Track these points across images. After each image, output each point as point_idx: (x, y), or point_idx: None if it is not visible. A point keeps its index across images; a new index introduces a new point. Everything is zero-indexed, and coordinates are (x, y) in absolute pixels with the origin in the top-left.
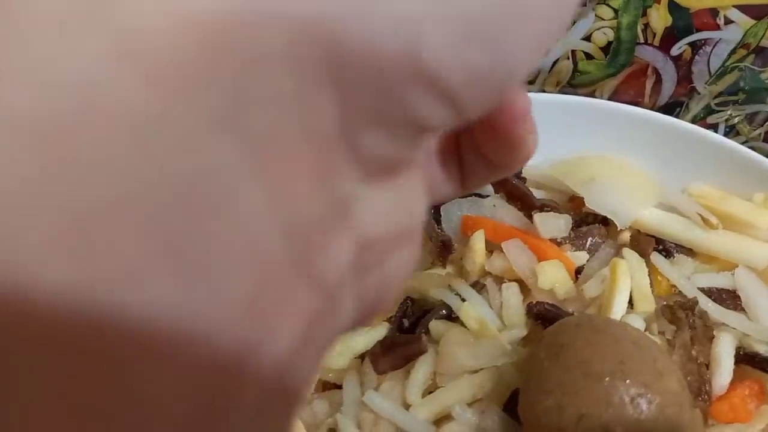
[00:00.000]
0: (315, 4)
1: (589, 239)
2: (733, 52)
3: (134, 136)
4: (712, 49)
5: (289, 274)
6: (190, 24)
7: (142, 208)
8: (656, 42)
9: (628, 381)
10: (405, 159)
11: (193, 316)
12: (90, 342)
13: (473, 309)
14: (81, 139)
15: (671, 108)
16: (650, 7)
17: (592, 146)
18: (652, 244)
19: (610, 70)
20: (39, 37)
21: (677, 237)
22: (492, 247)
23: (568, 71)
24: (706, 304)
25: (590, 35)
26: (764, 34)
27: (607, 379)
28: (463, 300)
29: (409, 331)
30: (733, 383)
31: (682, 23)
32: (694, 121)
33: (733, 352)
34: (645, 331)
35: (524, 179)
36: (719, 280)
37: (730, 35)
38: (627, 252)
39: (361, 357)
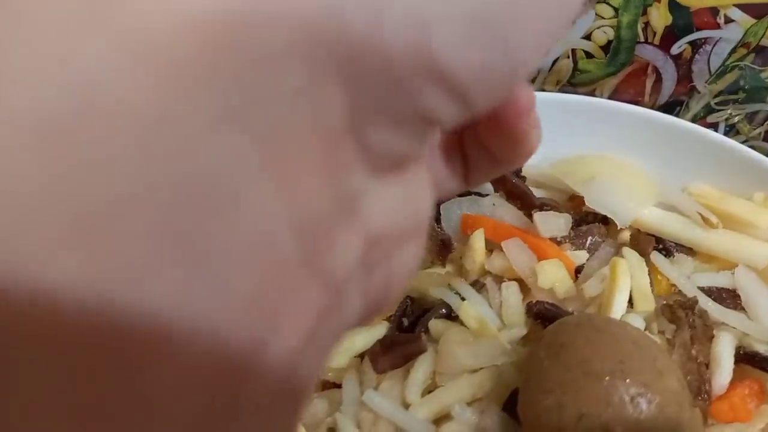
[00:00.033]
0: (323, 1)
1: (589, 238)
2: (734, 51)
3: (135, 136)
4: (712, 48)
5: (297, 270)
6: (191, 23)
7: (150, 206)
8: (656, 41)
9: (628, 380)
10: (413, 154)
11: (199, 314)
12: (92, 341)
13: (473, 308)
14: (82, 139)
15: (671, 107)
16: (650, 5)
17: (592, 145)
18: (652, 243)
19: (610, 68)
20: (40, 37)
21: (677, 236)
22: (492, 246)
23: (568, 70)
24: (706, 304)
25: (590, 34)
26: (765, 33)
27: (607, 378)
28: (463, 299)
29: (409, 330)
30: (733, 383)
31: (683, 22)
32: (694, 120)
33: (733, 352)
34: (645, 330)
35: (524, 178)
36: (719, 280)
37: (731, 34)
38: (627, 251)
39: (361, 356)
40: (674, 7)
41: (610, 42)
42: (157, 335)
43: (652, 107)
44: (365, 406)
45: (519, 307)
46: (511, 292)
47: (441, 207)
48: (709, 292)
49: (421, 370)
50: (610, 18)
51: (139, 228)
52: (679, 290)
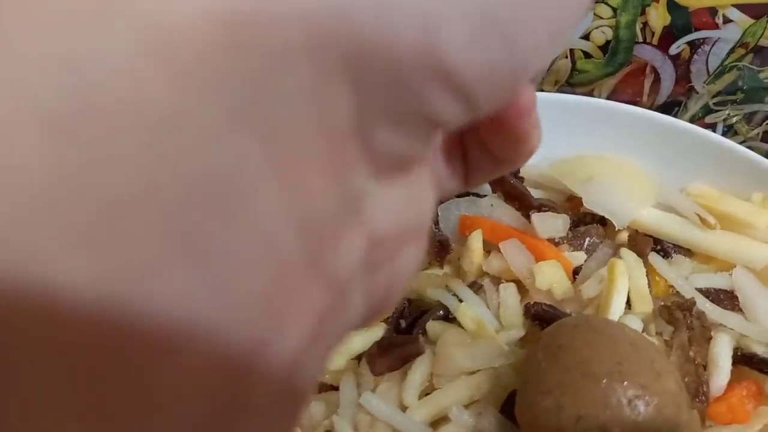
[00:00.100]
0: (332, 0)
1: (587, 239)
2: (732, 51)
3: (144, 135)
4: (710, 48)
5: (301, 271)
6: (209, 21)
7: (157, 206)
8: (655, 41)
9: (625, 382)
10: (417, 155)
11: (202, 313)
12: (94, 340)
13: (470, 309)
14: (88, 139)
15: (669, 107)
16: (649, 5)
17: (591, 145)
18: (650, 244)
19: (609, 69)
20: (47, 36)
21: (675, 237)
22: (490, 247)
23: (566, 70)
24: (704, 305)
25: (589, 34)
26: (763, 34)
27: (605, 379)
28: (461, 300)
29: (406, 332)
30: (731, 384)
31: (681, 22)
32: (692, 120)
33: (731, 353)
34: (643, 331)
35: (522, 179)
36: (717, 281)
37: (729, 34)
38: (625, 252)
39: (358, 358)
40: (673, 7)
41: (608, 42)
42: (159, 335)
43: (650, 107)
44: (362, 408)
45: (517, 309)
46: (508, 294)
47: (439, 208)
48: (707, 293)
49: (418, 372)
50: (608, 18)
51: (143, 228)
52: (677, 291)
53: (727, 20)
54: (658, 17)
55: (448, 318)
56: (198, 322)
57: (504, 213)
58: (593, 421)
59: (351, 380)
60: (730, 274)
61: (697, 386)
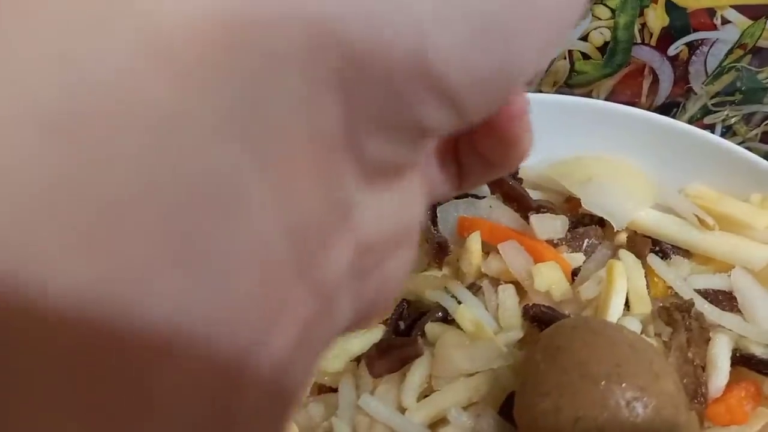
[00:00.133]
0: (325, 5)
1: (586, 240)
2: (730, 52)
3: (151, 134)
4: (709, 50)
5: (289, 275)
6: (209, 22)
7: (157, 207)
8: (653, 42)
9: (624, 384)
10: (407, 163)
11: (198, 315)
12: (92, 342)
13: (469, 311)
14: (87, 139)
15: (668, 108)
16: (647, 6)
17: (589, 146)
18: (649, 246)
19: (607, 70)
20: (47, 36)
21: (674, 238)
22: (488, 249)
23: (564, 71)
24: (703, 306)
25: (587, 35)
26: (761, 35)
27: (603, 382)
28: (459, 302)
29: (405, 333)
30: (730, 385)
31: (679, 23)
32: (690, 121)
33: (730, 354)
34: (641, 333)
35: (521, 180)
36: (716, 282)
37: (727, 35)
38: (623, 253)
39: (357, 360)
40: (671, 8)
41: (606, 43)
42: (158, 336)
43: (648, 108)
44: (361, 410)
45: (515, 310)
46: (507, 295)
47: (438, 209)
48: (706, 294)
49: (417, 373)
50: (606, 19)
51: (143, 228)
52: (676, 292)
53: (725, 21)
54: (657, 18)
55: (447, 320)
56: (196, 324)
57: (503, 214)
58: (591, 423)
59: (350, 382)
60: (729, 275)
61: (696, 387)
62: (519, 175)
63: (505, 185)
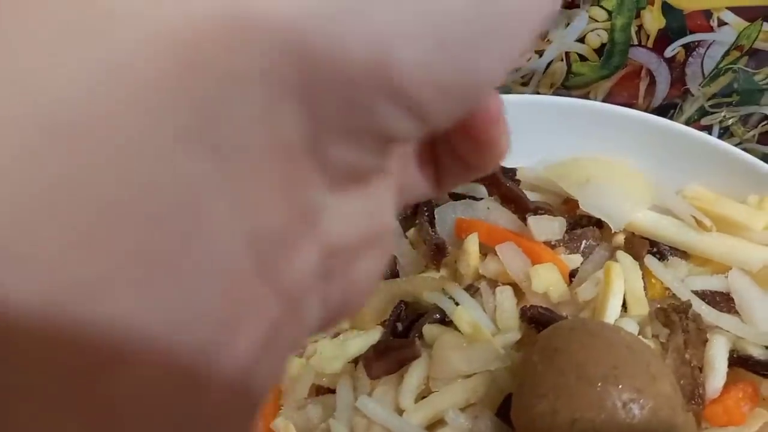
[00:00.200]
0: (285, 16)
1: (584, 242)
2: (727, 53)
3: (102, 154)
4: (705, 51)
5: (252, 281)
6: (170, 42)
7: (113, 225)
8: (650, 44)
9: (621, 386)
10: (374, 169)
11: (160, 324)
12: (61, 353)
13: (467, 313)
14: (58, 159)
15: (665, 110)
16: (644, 8)
17: (587, 148)
18: (646, 247)
19: (604, 71)
20: (17, 51)
21: (671, 239)
22: (486, 250)
23: (562, 73)
24: (700, 307)
25: (584, 37)
26: (757, 36)
27: (600, 383)
28: (457, 304)
29: (403, 335)
30: (727, 386)
31: (676, 25)
32: (688, 122)
33: (727, 355)
34: (638, 334)
35: (518, 181)
36: (713, 283)
37: (724, 37)
38: (621, 255)
39: (355, 361)
40: (667, 10)
41: (603, 45)
42: (112, 342)
43: (646, 110)
44: (359, 411)
45: (513, 312)
46: (505, 297)
47: (435, 211)
48: (703, 295)
49: (414, 375)
50: (603, 21)
51: (108, 241)
52: (673, 294)
53: (721, 23)
54: (653, 20)
55: (445, 321)
56: (153, 329)
57: (500, 216)
58: (588, 425)
59: (347, 383)
60: (726, 277)
61: (693, 389)
62: (517, 177)
63: (503, 187)
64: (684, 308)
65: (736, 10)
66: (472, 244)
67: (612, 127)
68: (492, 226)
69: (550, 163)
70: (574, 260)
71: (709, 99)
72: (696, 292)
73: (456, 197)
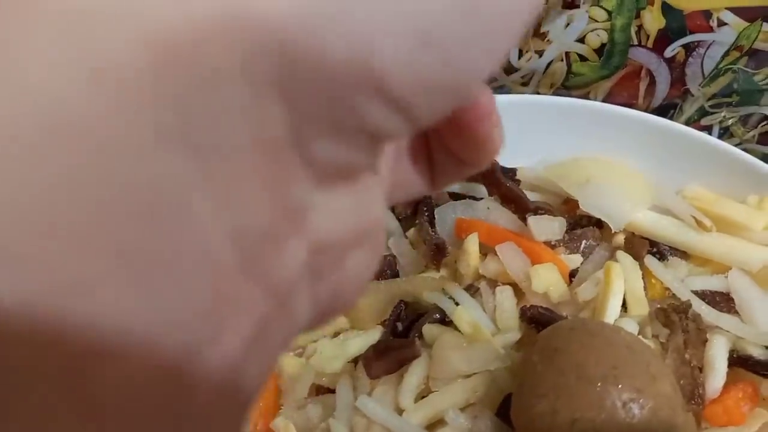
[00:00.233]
0: (267, 13)
1: (584, 242)
2: (727, 54)
3: (83, 154)
4: (705, 51)
5: (237, 278)
6: (150, 43)
7: (95, 224)
8: (650, 44)
9: (620, 386)
10: (361, 165)
11: (144, 322)
12: (50, 354)
13: (467, 313)
14: (36, 156)
15: (665, 110)
16: (644, 8)
17: (587, 148)
18: (646, 247)
19: (604, 71)
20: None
21: (671, 239)
22: (486, 250)
23: (562, 73)
24: (700, 307)
25: (584, 37)
26: (757, 36)
27: (599, 383)
28: (457, 304)
29: (403, 335)
30: (727, 386)
31: (676, 25)
32: (687, 123)
33: (727, 355)
34: (638, 334)
35: (518, 181)
36: (713, 283)
37: (724, 37)
38: (621, 255)
39: (355, 361)
40: (667, 10)
41: (603, 45)
42: (97, 341)
43: (646, 110)
44: (359, 411)
45: (513, 312)
46: (505, 297)
47: (435, 211)
48: (703, 295)
49: (414, 375)
50: (603, 21)
51: (90, 239)
52: (673, 294)
53: (721, 23)
54: (653, 20)
55: (445, 321)
56: (139, 328)
57: (500, 216)
58: (588, 424)
59: (347, 383)
60: (726, 277)
61: (693, 389)
62: (517, 177)
63: (503, 187)
64: (684, 308)
65: (736, 11)
66: (472, 244)
67: (612, 127)
68: (492, 226)
69: (550, 163)
70: (574, 260)
71: (709, 99)
72: (696, 292)
73: (456, 197)
